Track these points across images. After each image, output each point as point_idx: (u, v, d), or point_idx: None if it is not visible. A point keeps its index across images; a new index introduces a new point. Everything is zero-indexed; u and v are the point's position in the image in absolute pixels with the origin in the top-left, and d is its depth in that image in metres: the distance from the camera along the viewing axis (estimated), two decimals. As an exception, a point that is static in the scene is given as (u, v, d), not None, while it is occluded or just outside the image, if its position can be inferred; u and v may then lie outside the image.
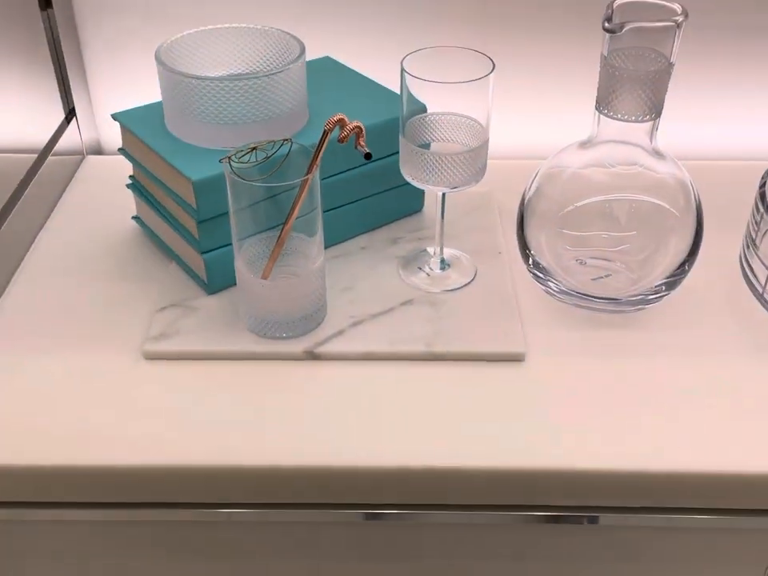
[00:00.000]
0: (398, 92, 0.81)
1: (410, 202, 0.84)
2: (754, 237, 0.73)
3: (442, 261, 0.78)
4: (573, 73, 0.94)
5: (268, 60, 0.79)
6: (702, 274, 0.74)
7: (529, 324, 0.72)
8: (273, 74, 0.71)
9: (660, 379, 0.68)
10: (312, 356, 0.69)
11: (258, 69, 0.80)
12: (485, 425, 0.64)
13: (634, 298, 0.73)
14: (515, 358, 0.69)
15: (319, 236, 0.68)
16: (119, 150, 0.80)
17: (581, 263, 0.75)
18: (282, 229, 0.66)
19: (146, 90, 0.85)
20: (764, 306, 0.72)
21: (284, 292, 0.68)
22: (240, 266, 0.69)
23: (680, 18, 0.62)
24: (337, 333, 0.70)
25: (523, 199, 0.75)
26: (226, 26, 0.78)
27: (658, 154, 0.69)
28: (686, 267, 0.72)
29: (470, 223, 0.84)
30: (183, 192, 0.71)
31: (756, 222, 0.73)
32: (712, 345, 0.71)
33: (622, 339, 0.72)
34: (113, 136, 1.00)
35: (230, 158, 0.64)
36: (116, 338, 0.71)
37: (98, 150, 1.02)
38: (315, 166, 0.63)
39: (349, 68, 0.87)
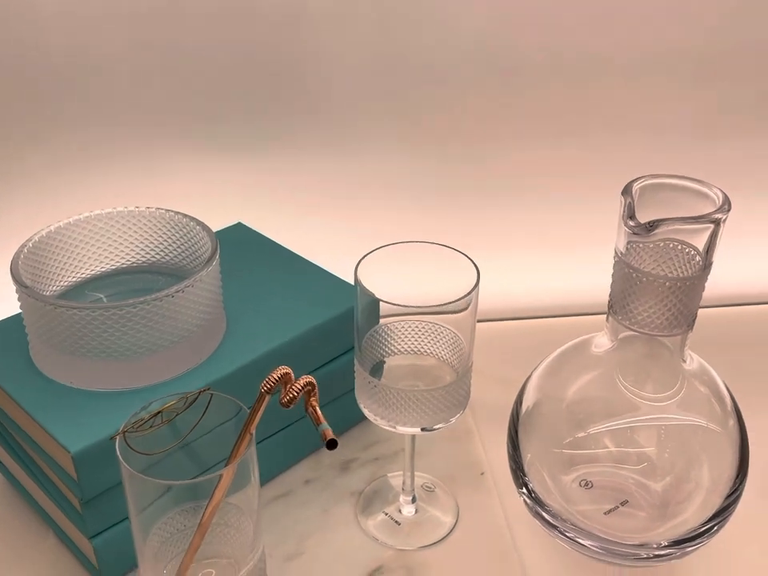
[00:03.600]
0: (335, 273, 0.65)
1: (358, 409, 0.67)
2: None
3: (413, 499, 0.60)
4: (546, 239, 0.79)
5: (165, 249, 0.61)
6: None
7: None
8: (176, 292, 0.52)
9: None
10: None
11: (152, 260, 0.61)
12: None
13: (669, 542, 0.56)
14: None
15: (256, 512, 0.49)
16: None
17: (586, 486, 0.59)
18: (196, 532, 0.47)
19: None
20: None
21: (211, 596, 0.49)
22: (145, 569, 0.49)
23: (720, 216, 0.47)
24: (287, 639, 0.51)
25: (516, 414, 0.59)
26: (107, 210, 0.59)
27: (684, 362, 0.54)
28: (738, 489, 0.56)
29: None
30: (60, 459, 0.51)
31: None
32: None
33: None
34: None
35: (124, 432, 0.45)
36: None
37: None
38: (243, 446, 0.45)
39: (270, 240, 0.69)
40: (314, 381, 0.44)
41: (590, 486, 0.59)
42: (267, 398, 0.44)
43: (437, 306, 0.49)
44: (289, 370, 0.44)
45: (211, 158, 0.78)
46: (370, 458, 0.65)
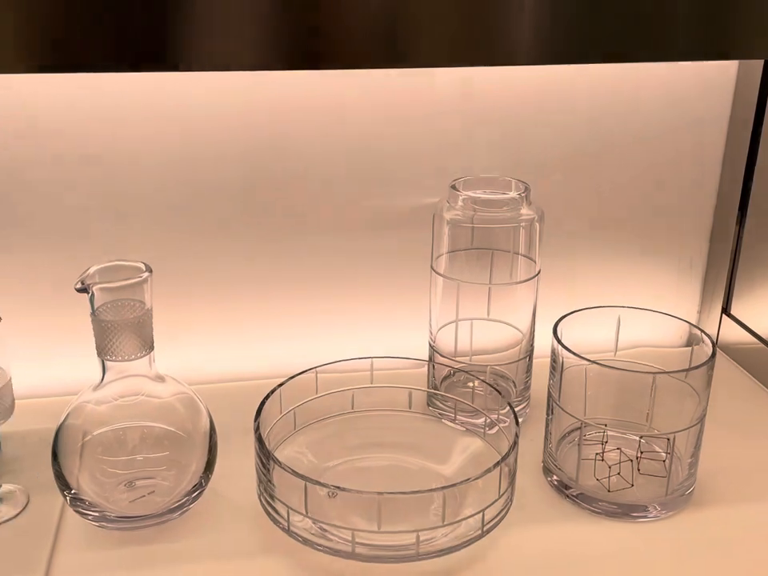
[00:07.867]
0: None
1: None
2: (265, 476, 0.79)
3: (-10, 499, 0.83)
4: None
5: None
6: (232, 484, 0.85)
7: (65, 551, 0.78)
8: None
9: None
10: None
11: None
12: None
13: (162, 512, 0.80)
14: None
15: None
16: None
17: (128, 486, 0.82)
18: None
19: None
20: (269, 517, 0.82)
21: None
22: None
23: (146, 274, 0.75)
24: None
25: (56, 436, 0.80)
26: None
27: (160, 378, 0.80)
28: (203, 483, 0.81)
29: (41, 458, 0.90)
30: None
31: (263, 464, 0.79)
32: (231, 547, 0.80)
33: (154, 551, 0.79)
34: None
35: None
36: None
37: None
38: None
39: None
40: None
41: (133, 485, 0.82)
42: None
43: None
44: None
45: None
46: (-24, 479, 0.87)
